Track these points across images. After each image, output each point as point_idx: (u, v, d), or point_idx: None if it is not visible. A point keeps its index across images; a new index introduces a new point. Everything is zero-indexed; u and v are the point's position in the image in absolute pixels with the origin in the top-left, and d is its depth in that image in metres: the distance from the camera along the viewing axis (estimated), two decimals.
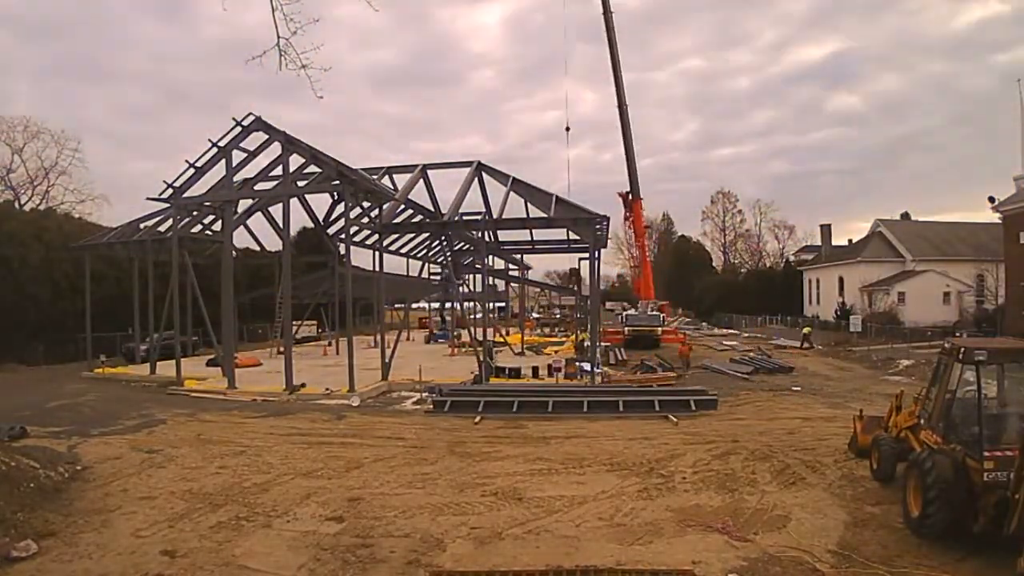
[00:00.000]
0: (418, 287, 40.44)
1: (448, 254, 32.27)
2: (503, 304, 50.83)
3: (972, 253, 41.70)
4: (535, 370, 21.34)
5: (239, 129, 20.42)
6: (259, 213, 27.24)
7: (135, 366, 25.78)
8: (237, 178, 21.85)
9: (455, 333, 34.23)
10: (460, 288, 33.11)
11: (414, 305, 51.27)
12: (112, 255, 28.73)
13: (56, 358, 27.93)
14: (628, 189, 44.40)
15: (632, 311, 42.11)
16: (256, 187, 22.60)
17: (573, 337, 34.57)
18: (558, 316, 57.68)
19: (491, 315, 40.84)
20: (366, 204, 24.00)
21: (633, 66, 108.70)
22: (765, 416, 14.91)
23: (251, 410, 16.48)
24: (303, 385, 19.25)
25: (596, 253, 22.98)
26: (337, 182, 20.60)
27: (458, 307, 33.83)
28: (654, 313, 40.53)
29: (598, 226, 21.31)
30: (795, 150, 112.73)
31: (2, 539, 6.98)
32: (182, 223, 23.78)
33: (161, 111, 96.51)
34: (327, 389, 18.94)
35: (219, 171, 21.26)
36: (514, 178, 22.46)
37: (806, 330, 36.80)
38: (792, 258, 66.87)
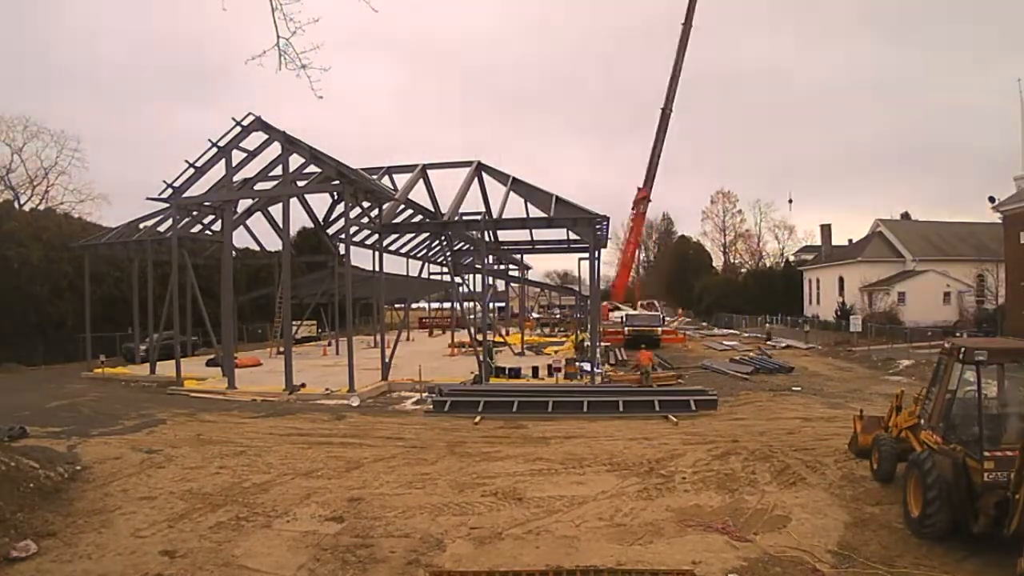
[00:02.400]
0: (418, 287, 40.43)
1: (448, 254, 32.24)
2: (503, 304, 50.91)
3: (972, 253, 41.65)
4: (535, 370, 21.33)
5: (239, 129, 20.41)
6: (259, 213, 27.24)
7: (135, 366, 25.79)
8: (237, 178, 21.84)
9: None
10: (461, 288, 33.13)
11: (414, 305, 51.35)
12: (112, 255, 28.73)
13: (56, 358, 27.95)
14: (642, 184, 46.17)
15: (631, 311, 42.37)
16: (256, 187, 22.59)
17: (573, 337, 34.58)
18: (558, 316, 57.73)
19: (492, 315, 40.85)
20: (366, 204, 24.00)
21: None
22: (765, 416, 14.90)
23: (251, 410, 16.48)
24: (303, 385, 19.24)
25: (596, 253, 22.97)
26: (337, 182, 20.58)
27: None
28: (654, 313, 40.71)
29: (598, 226, 21.30)
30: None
31: (2, 539, 6.98)
32: (182, 223, 23.79)
33: None
34: (327, 389, 18.94)
35: (219, 171, 21.27)
36: (514, 178, 22.44)
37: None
38: (792, 258, 66.85)
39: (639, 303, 49.08)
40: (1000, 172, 75.84)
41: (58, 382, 22.36)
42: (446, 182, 25.29)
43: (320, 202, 30.69)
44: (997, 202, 34.02)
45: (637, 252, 51.40)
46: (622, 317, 41.05)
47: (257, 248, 31.81)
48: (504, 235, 28.32)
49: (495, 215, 21.98)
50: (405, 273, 36.25)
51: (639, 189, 47.79)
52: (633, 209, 48.68)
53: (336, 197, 27.47)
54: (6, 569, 6.47)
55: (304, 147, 20.27)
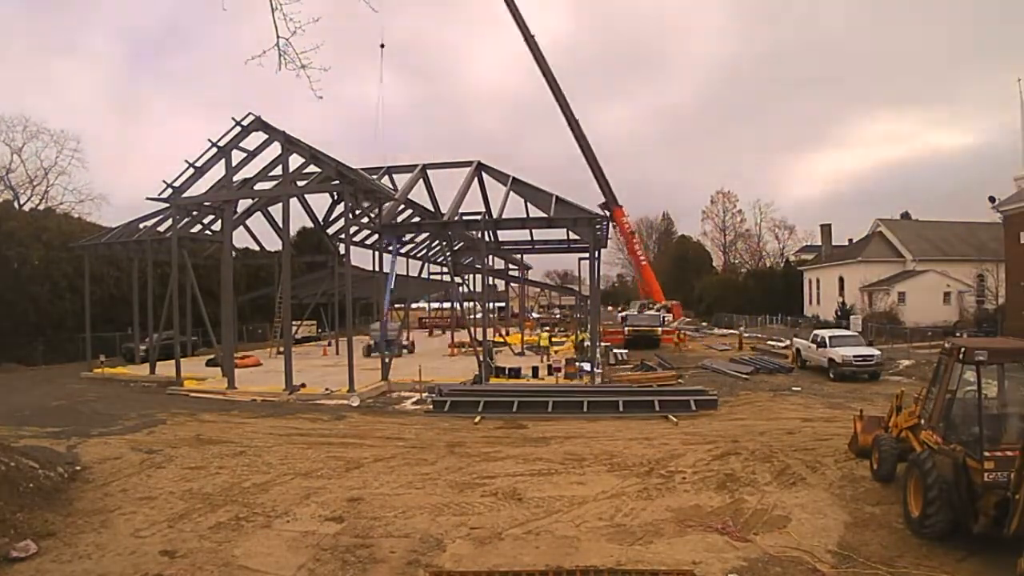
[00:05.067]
0: (418, 287, 40.41)
1: (448, 254, 32.24)
2: (503, 304, 50.95)
3: (972, 253, 41.66)
4: (535, 370, 21.33)
5: (239, 129, 20.40)
6: (259, 213, 27.26)
7: (135, 366, 25.79)
8: (237, 178, 21.84)
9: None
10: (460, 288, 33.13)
11: (414, 305, 51.32)
12: (112, 255, 28.74)
13: (56, 358, 27.97)
14: (603, 201, 45.95)
15: (633, 311, 42.36)
16: (256, 187, 22.58)
17: (573, 337, 34.56)
18: (558, 316, 57.75)
19: (491, 315, 40.81)
20: (366, 204, 24.00)
21: None
22: (765, 416, 14.90)
23: (251, 410, 16.48)
24: (303, 385, 19.24)
25: (596, 253, 22.99)
26: (337, 182, 20.59)
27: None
28: (654, 313, 40.70)
29: (598, 226, 21.32)
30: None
31: (2, 539, 6.98)
32: (182, 223, 23.78)
33: None
34: (327, 389, 18.93)
35: (219, 171, 21.27)
36: (514, 178, 22.47)
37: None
38: (792, 258, 66.86)
39: (662, 303, 48.67)
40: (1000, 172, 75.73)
41: (58, 382, 22.35)
42: (446, 182, 25.36)
43: (320, 202, 30.77)
44: (997, 202, 34.04)
45: (639, 249, 51.04)
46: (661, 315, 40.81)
47: (257, 248, 31.83)
48: (504, 235, 28.33)
49: (495, 215, 21.99)
50: (405, 273, 36.26)
51: (600, 206, 47.48)
52: (612, 223, 48.57)
53: (336, 197, 27.47)
54: (6, 569, 6.47)
55: (304, 147, 20.27)
